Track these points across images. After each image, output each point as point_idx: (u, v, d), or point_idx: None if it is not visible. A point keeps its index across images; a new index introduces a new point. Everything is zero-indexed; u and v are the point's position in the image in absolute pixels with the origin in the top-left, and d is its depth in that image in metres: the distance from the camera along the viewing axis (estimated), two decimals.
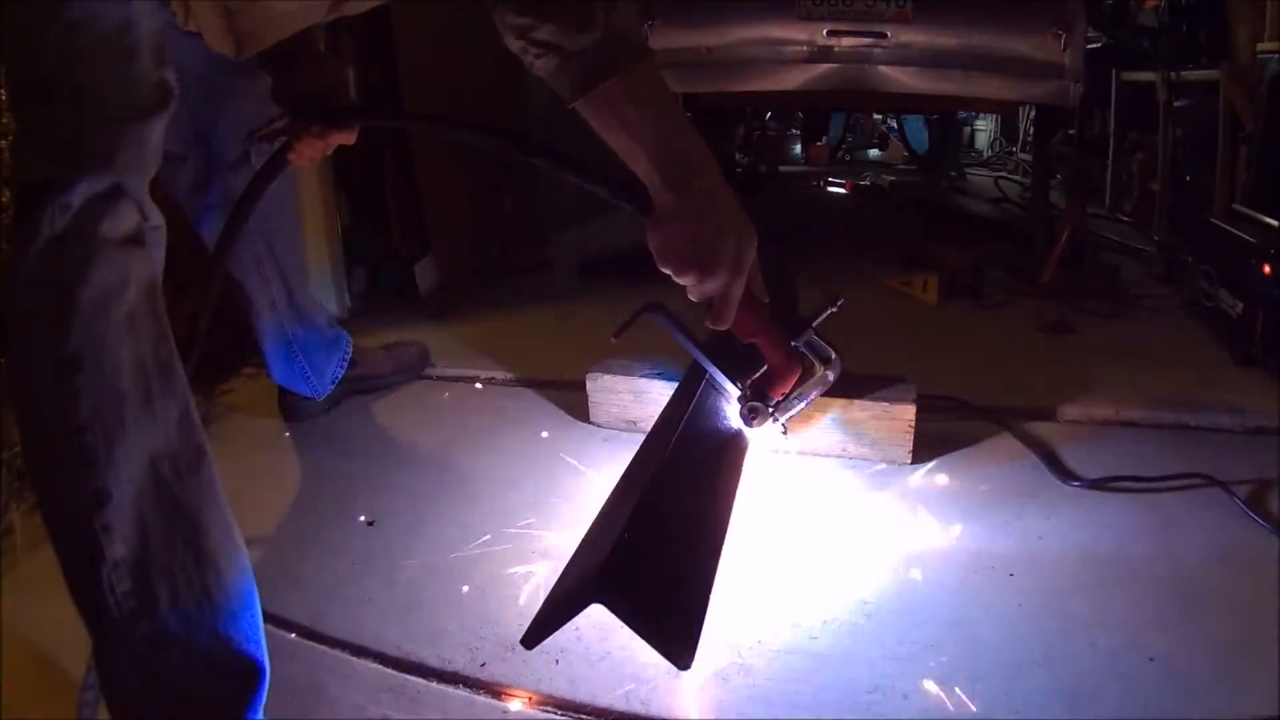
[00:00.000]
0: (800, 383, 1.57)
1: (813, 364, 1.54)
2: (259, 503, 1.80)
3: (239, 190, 1.56)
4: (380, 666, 1.33)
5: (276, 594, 1.46)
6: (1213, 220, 2.75)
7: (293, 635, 1.40)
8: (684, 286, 1.28)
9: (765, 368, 1.49)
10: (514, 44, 1.14)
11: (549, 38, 1.10)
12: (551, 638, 1.02)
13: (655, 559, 1.10)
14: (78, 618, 1.05)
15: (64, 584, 1.05)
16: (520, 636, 1.03)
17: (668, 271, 1.24)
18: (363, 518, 1.74)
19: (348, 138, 1.61)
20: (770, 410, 1.48)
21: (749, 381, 1.52)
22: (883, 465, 1.88)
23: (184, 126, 1.76)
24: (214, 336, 1.50)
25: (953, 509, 1.70)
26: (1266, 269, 2.27)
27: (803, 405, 1.59)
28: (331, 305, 2.87)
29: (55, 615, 1.22)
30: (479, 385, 2.41)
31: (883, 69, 3.25)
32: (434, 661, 1.33)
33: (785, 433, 1.53)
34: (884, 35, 3.19)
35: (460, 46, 3.17)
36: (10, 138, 1.23)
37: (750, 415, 1.47)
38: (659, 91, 1.16)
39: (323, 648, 1.37)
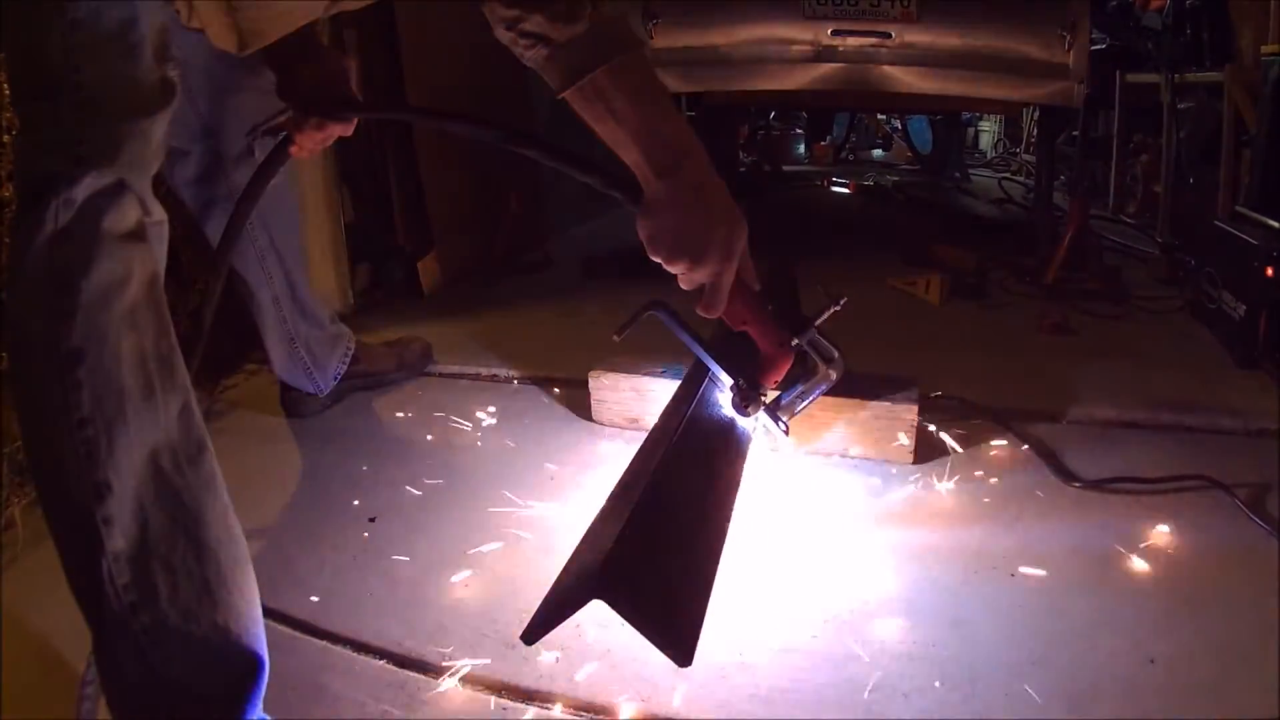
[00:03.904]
0: (803, 382, 1.57)
1: (815, 363, 1.53)
2: (260, 498, 1.80)
3: (242, 185, 1.57)
4: (381, 663, 1.33)
5: (277, 589, 1.47)
6: (1216, 222, 2.75)
7: (293, 631, 1.40)
8: (676, 276, 1.28)
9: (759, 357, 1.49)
10: (504, 35, 1.15)
11: (537, 29, 1.11)
12: (552, 634, 1.01)
13: (656, 556, 1.10)
14: (78, 612, 1.05)
15: (64, 577, 1.05)
16: (520, 633, 1.03)
17: (658, 260, 1.25)
18: (365, 513, 1.74)
19: (345, 130, 1.61)
20: (762, 397, 1.48)
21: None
22: (884, 465, 1.88)
23: (188, 122, 1.76)
24: (217, 332, 1.50)
25: (954, 509, 1.70)
26: (1269, 271, 2.27)
27: (806, 404, 1.59)
28: (334, 301, 2.87)
29: (56, 609, 1.22)
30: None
31: (887, 69, 3.25)
32: (434, 658, 1.33)
33: (787, 432, 1.53)
34: (888, 35, 3.19)
35: (464, 39, 3.17)
36: (14, 134, 1.23)
37: (742, 403, 1.47)
38: (647, 81, 1.17)
39: (323, 643, 1.37)
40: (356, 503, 1.78)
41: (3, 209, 1.66)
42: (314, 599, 1.48)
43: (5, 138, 1.69)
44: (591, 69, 1.12)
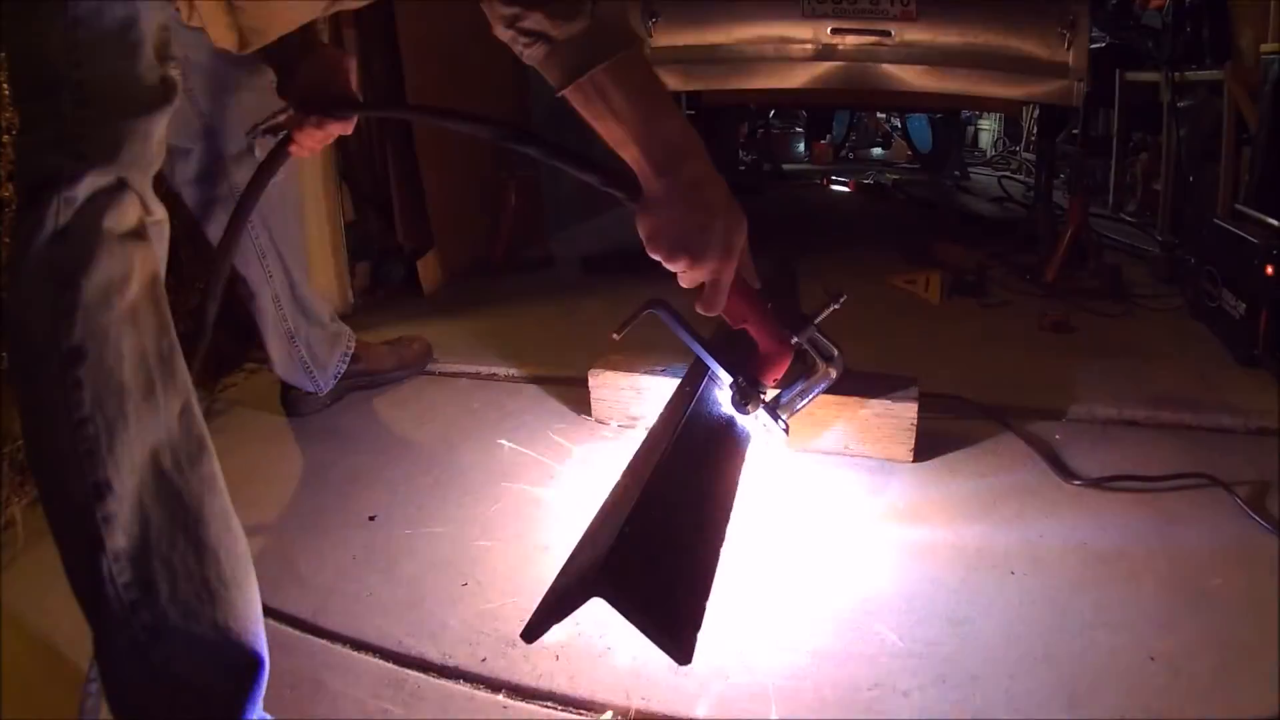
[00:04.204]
0: (803, 380, 1.57)
1: (815, 361, 1.53)
2: (260, 497, 1.80)
3: (243, 183, 1.57)
4: (381, 661, 1.33)
5: (277, 588, 1.47)
6: (1216, 220, 2.74)
7: (293, 629, 1.40)
8: (676, 274, 1.28)
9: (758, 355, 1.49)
10: (503, 33, 1.15)
11: (537, 26, 1.11)
12: (552, 633, 1.01)
13: (656, 554, 1.10)
14: (78, 611, 1.05)
15: (64, 576, 1.05)
16: (520, 631, 1.03)
17: (658, 258, 1.25)
18: (364, 512, 1.74)
19: (345, 128, 1.62)
20: (761, 395, 1.48)
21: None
22: (884, 463, 1.88)
23: (188, 120, 1.76)
24: (217, 331, 1.50)
25: (954, 507, 1.70)
26: (1269, 269, 2.27)
27: (806, 403, 1.59)
28: (334, 300, 2.87)
29: (56, 608, 1.23)
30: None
31: (886, 67, 3.25)
32: (435, 656, 1.33)
33: (787, 431, 1.53)
34: (888, 33, 3.19)
35: (464, 36, 3.18)
36: (14, 133, 1.24)
37: (742, 401, 1.46)
38: (646, 79, 1.17)
39: (323, 642, 1.37)
40: (356, 501, 1.78)
41: (3, 208, 1.66)
42: (314, 597, 1.48)
43: (5, 137, 1.69)
44: (591, 67, 1.12)
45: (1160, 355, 2.52)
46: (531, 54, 1.15)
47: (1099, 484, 1.76)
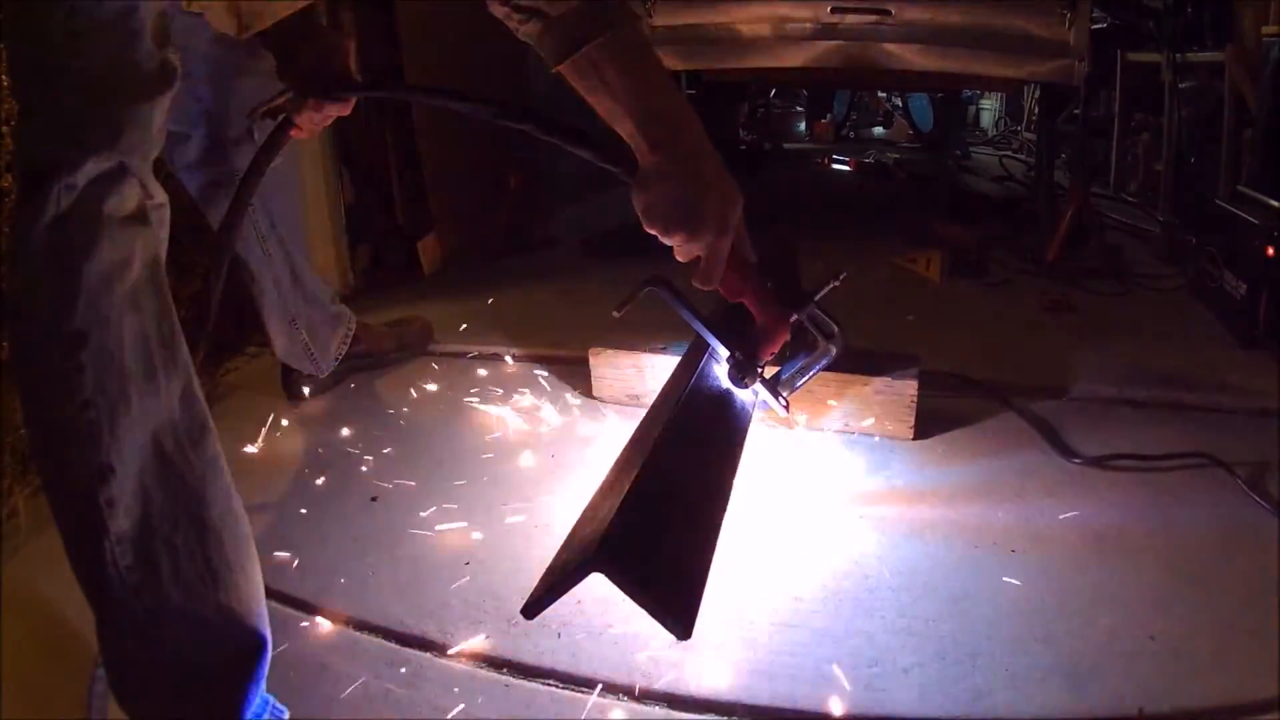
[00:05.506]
0: (803, 357, 1.57)
1: (815, 338, 1.53)
2: (262, 479, 1.80)
3: (243, 167, 1.57)
4: (383, 641, 1.34)
5: (279, 569, 1.48)
6: (1217, 201, 2.74)
7: (296, 610, 1.41)
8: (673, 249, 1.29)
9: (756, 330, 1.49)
10: (498, 10, 1.15)
11: (531, 3, 1.11)
12: (553, 610, 1.02)
13: (656, 530, 1.10)
14: (82, 599, 1.05)
15: (67, 564, 1.05)
16: (521, 607, 1.03)
17: (654, 232, 1.25)
18: (366, 493, 1.75)
19: (344, 109, 1.62)
20: (759, 370, 1.48)
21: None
22: (885, 441, 1.88)
23: (188, 105, 1.76)
24: (218, 316, 1.50)
25: (954, 485, 1.71)
26: (1270, 250, 2.27)
27: (806, 380, 1.59)
28: (335, 282, 2.86)
29: (60, 598, 1.23)
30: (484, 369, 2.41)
31: (887, 46, 3.23)
32: (437, 636, 1.34)
33: (788, 408, 1.53)
34: (888, 12, 3.17)
35: (461, 16, 3.16)
36: (13, 122, 1.24)
37: (739, 375, 1.47)
38: (642, 54, 1.17)
39: (325, 622, 1.38)
40: (358, 482, 1.79)
41: (4, 199, 1.66)
42: (316, 578, 1.48)
43: (4, 127, 1.69)
44: (585, 42, 1.12)
45: (1161, 335, 2.52)
46: (526, 30, 1.15)
47: (1099, 463, 1.76)
